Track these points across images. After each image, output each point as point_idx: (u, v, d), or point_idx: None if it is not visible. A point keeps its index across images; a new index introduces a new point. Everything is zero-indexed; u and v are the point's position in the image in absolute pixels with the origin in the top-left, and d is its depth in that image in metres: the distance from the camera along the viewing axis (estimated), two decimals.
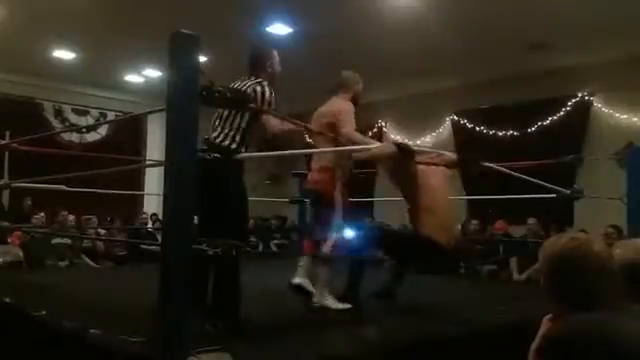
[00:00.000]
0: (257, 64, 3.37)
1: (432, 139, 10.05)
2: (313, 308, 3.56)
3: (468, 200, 8.39)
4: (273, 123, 3.26)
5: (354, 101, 3.81)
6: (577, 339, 1.30)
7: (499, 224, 7.80)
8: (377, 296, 3.88)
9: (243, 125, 3.12)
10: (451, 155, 4.32)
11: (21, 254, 7.01)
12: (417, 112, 10.09)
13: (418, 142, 9.71)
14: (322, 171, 3.70)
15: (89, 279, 5.94)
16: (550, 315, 1.54)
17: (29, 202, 8.93)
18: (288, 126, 3.36)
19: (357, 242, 3.75)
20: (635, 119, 7.97)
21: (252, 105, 3.04)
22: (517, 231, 7.79)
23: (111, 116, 10.87)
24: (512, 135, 8.97)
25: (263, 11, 6.80)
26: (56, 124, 10.46)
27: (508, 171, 4.38)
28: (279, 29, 7.29)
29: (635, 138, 7.23)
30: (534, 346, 1.48)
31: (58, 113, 10.59)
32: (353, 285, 3.66)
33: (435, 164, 3.88)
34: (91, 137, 10.89)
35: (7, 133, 5.94)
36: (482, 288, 5.79)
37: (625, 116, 8.06)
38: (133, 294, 3.90)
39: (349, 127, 3.58)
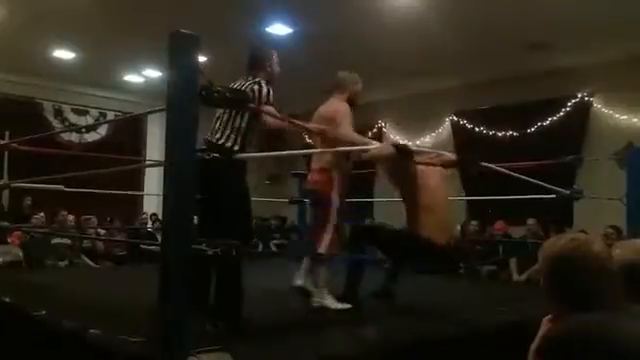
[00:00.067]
0: (256, 64, 3.38)
1: (432, 139, 10.03)
2: (313, 308, 3.57)
3: (468, 201, 8.39)
4: (270, 119, 3.27)
5: (350, 101, 3.81)
6: (577, 339, 1.30)
7: (499, 225, 7.78)
8: (375, 296, 3.89)
9: (243, 125, 3.14)
10: (450, 155, 4.33)
11: (21, 254, 7.00)
12: (417, 112, 10.08)
13: (418, 142, 9.70)
14: (321, 172, 3.71)
15: (89, 279, 5.94)
16: (550, 315, 1.54)
17: (29, 202, 8.93)
18: (282, 123, 3.39)
19: (354, 243, 3.76)
20: (635, 119, 7.96)
21: (251, 105, 3.05)
22: (517, 232, 7.77)
23: (111, 116, 10.86)
24: (512, 135, 8.96)
25: (263, 11, 6.79)
26: (56, 124, 10.45)
27: (508, 171, 4.37)
28: (279, 29, 7.28)
29: (635, 138, 7.22)
30: (534, 346, 1.48)
31: (58, 113, 10.58)
32: (352, 285, 3.67)
33: (433, 164, 3.89)
34: (91, 137, 10.88)
35: (7, 133, 5.94)
36: (482, 288, 5.79)
37: (625, 116, 8.06)
38: (133, 294, 3.90)
39: (347, 128, 3.59)
